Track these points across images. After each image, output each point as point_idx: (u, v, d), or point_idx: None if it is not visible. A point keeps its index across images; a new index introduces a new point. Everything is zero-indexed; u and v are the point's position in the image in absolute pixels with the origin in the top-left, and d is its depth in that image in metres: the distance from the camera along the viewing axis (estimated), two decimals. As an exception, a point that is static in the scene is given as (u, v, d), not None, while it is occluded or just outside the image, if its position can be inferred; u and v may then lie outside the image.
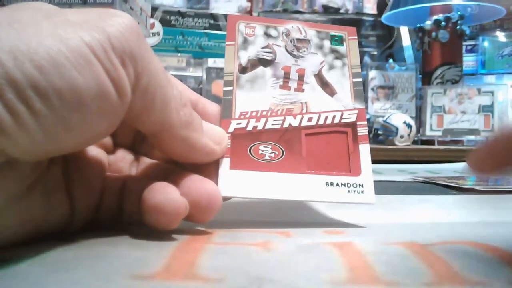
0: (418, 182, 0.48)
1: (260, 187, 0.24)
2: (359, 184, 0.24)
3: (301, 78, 0.28)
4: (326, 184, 0.24)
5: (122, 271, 0.16)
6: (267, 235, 0.22)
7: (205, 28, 1.39)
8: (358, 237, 0.22)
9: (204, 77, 1.29)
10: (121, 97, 0.17)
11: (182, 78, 1.27)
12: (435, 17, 1.29)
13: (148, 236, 0.21)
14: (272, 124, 0.26)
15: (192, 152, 0.22)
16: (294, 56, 0.29)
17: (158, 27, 1.31)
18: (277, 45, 0.29)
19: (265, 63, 0.28)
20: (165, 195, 0.20)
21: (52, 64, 0.15)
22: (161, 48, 1.32)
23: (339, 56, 0.29)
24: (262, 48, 0.28)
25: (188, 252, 0.18)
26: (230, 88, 0.27)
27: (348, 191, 0.24)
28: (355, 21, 1.56)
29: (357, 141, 0.26)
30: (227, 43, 0.28)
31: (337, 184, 0.24)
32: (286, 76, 0.28)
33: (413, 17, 1.33)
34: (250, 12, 1.48)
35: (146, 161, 0.25)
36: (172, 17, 1.38)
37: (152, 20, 1.26)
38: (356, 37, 0.30)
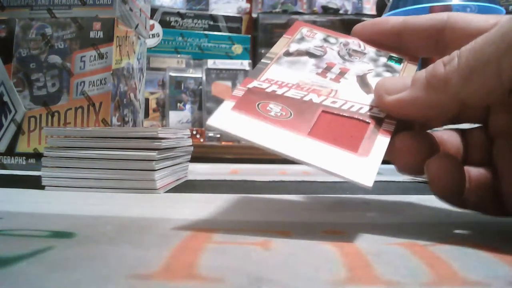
0: (418, 182, 0.48)
1: (252, 131, 0.22)
2: (361, 164, 0.22)
3: (341, 73, 0.27)
4: (322, 152, 0.22)
5: (121, 271, 0.16)
6: (267, 235, 0.22)
7: (204, 29, 1.39)
8: (358, 237, 0.22)
9: (204, 78, 1.29)
10: None
11: (181, 79, 1.27)
12: (434, 17, 1.29)
13: (148, 236, 0.22)
14: (292, 94, 0.25)
15: None
16: (343, 59, 0.28)
17: (158, 28, 1.31)
18: (331, 48, 0.29)
19: (312, 56, 0.28)
20: None
21: None
22: (161, 49, 1.32)
23: (391, 70, 0.28)
24: (315, 46, 0.29)
25: (188, 252, 0.18)
26: (268, 61, 0.27)
27: (345, 165, 0.21)
28: (354, 21, 1.55)
29: (377, 133, 0.23)
30: (284, 36, 0.29)
31: (336, 156, 0.22)
32: (327, 69, 0.27)
33: (413, 18, 1.33)
34: (249, 13, 1.48)
35: None
36: (172, 18, 1.38)
37: (151, 21, 1.26)
38: (417, 63, 0.29)
